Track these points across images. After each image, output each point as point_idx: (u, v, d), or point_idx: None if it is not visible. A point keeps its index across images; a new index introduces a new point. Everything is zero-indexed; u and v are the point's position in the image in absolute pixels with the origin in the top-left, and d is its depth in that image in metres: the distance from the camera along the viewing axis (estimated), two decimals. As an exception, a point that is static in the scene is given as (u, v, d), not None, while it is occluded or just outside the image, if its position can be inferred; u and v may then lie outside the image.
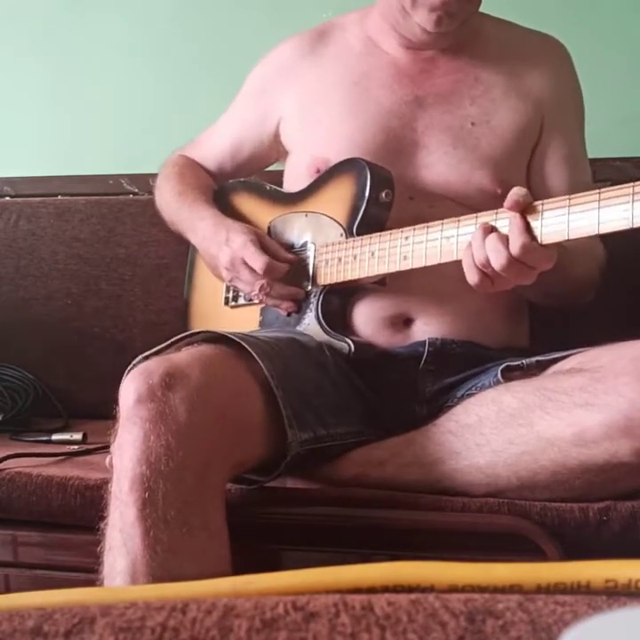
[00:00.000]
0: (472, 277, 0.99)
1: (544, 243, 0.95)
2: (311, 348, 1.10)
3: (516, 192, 0.97)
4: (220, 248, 1.19)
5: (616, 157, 1.64)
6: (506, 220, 0.98)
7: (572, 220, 0.93)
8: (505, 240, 0.96)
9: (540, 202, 0.96)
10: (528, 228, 0.95)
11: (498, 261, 0.95)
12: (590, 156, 1.30)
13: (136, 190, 1.82)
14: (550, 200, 0.96)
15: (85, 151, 1.91)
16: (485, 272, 0.98)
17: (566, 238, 0.94)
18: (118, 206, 1.70)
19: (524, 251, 0.94)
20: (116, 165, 1.85)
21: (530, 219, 0.96)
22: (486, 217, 1.01)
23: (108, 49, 1.90)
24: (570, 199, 0.94)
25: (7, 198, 1.84)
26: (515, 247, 0.95)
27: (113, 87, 1.90)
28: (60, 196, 1.80)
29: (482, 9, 1.28)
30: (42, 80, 1.94)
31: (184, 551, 0.80)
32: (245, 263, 1.16)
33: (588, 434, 0.87)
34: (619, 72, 1.69)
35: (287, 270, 1.17)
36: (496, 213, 1.00)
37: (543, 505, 0.92)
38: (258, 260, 1.15)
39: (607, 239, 1.19)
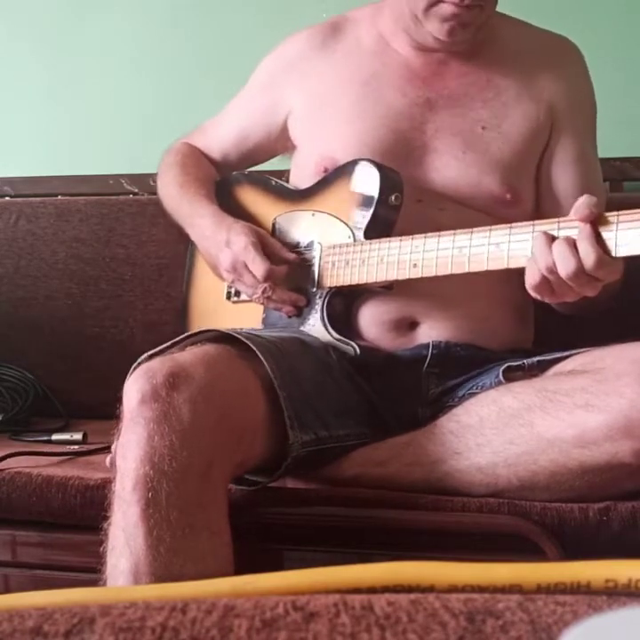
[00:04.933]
0: (532, 280, 0.95)
1: (619, 255, 0.89)
2: (316, 348, 1.10)
3: (587, 202, 0.92)
4: (221, 250, 1.18)
5: (616, 157, 1.64)
6: (569, 231, 0.93)
7: None
8: (573, 246, 0.91)
9: (613, 213, 0.91)
10: (600, 240, 0.90)
11: (565, 269, 0.90)
12: (590, 156, 1.30)
13: (136, 190, 1.81)
14: (627, 211, 0.90)
15: (85, 151, 1.91)
16: (548, 278, 0.93)
17: None
18: (118, 206, 1.69)
19: (599, 264, 0.89)
20: (115, 165, 1.85)
21: (602, 229, 0.90)
22: (546, 226, 0.96)
23: (107, 49, 1.90)
24: None
25: (7, 198, 1.84)
26: (589, 261, 0.89)
27: (112, 87, 1.91)
28: (59, 196, 1.80)
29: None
30: (42, 80, 1.94)
31: (187, 551, 0.80)
32: (247, 267, 1.15)
33: (589, 435, 0.87)
34: (619, 72, 1.68)
35: (286, 273, 1.16)
36: (558, 222, 0.95)
37: (543, 505, 0.92)
38: (259, 267, 1.13)
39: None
